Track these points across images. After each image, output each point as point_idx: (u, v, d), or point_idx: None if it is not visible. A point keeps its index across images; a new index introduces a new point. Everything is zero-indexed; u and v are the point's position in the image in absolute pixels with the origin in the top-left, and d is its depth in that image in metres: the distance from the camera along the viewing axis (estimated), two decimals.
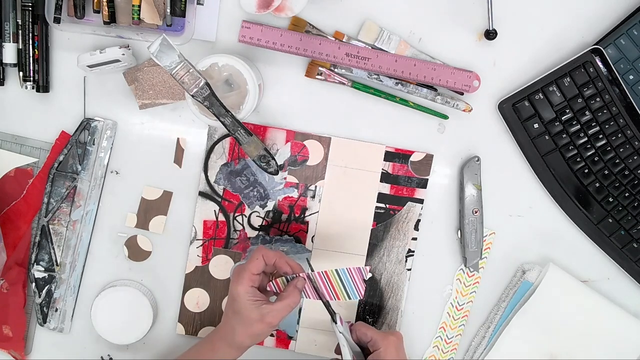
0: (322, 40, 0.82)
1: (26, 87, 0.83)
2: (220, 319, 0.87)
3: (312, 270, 0.77)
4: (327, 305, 0.77)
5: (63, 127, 0.86)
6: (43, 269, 0.87)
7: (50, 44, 0.84)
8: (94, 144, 0.85)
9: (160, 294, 0.89)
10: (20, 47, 0.83)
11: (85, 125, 0.85)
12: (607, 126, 0.84)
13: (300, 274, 0.77)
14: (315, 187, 0.87)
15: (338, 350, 0.81)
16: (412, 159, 0.86)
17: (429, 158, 0.86)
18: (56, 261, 0.87)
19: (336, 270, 0.77)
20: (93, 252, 0.88)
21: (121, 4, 0.81)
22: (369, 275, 0.78)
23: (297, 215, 0.87)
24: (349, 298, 0.78)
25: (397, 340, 0.79)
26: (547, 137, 0.84)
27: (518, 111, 0.84)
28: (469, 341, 0.90)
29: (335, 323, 0.77)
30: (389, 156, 0.86)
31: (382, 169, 0.86)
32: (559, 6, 0.84)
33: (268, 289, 0.78)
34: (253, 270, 0.75)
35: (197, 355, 0.78)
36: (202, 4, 0.83)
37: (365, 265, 0.77)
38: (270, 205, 0.87)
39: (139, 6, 0.80)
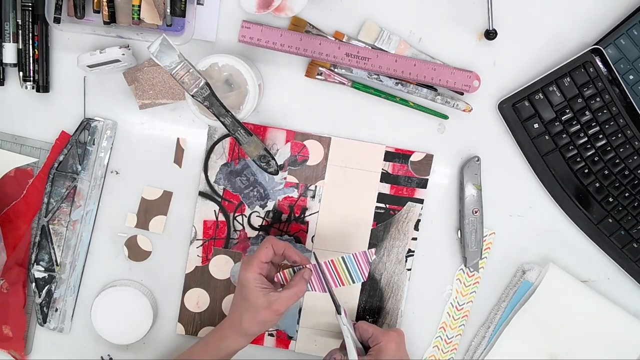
0: (322, 40, 0.82)
1: (26, 87, 0.83)
2: (220, 319, 0.87)
3: (318, 263, 0.78)
4: (333, 297, 0.78)
5: (63, 127, 0.86)
6: (43, 269, 0.87)
7: (50, 44, 0.84)
8: (94, 144, 0.85)
9: (160, 294, 0.89)
10: (20, 47, 0.83)
11: (85, 125, 0.85)
12: (607, 126, 0.84)
13: (307, 265, 0.78)
14: (315, 187, 0.87)
15: (342, 347, 0.81)
16: (412, 159, 0.86)
17: (429, 158, 0.86)
18: (56, 261, 0.87)
19: (342, 257, 0.79)
20: (93, 252, 0.88)
21: (121, 4, 0.81)
22: (374, 257, 0.80)
23: (297, 215, 0.87)
24: (353, 282, 0.79)
25: (397, 336, 0.79)
26: (547, 137, 0.84)
27: (518, 111, 0.84)
28: (469, 341, 0.90)
29: (340, 314, 0.78)
30: (389, 156, 0.86)
31: (382, 169, 0.86)
32: (559, 6, 0.84)
33: (275, 280, 0.79)
34: (262, 258, 0.76)
35: (207, 344, 0.79)
36: (202, 4, 0.83)
37: (369, 249, 0.79)
38: (270, 205, 0.87)
39: (139, 6, 0.80)
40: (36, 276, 0.87)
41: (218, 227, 0.87)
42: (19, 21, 0.83)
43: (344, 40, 0.83)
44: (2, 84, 0.85)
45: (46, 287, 0.87)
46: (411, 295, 0.89)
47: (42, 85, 0.84)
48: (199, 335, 0.88)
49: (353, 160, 0.86)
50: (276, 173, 0.82)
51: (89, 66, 0.81)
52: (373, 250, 0.79)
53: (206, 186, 0.86)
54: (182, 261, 0.88)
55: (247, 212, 0.87)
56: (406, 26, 0.84)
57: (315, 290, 0.79)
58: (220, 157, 0.86)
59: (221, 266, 0.88)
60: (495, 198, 0.87)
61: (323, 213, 0.87)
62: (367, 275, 0.79)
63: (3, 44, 0.83)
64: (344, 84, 0.84)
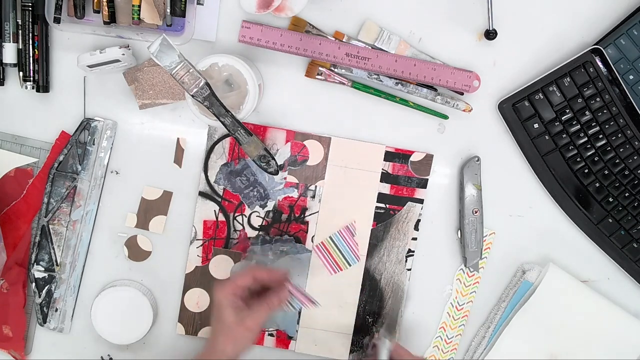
0: (322, 40, 0.82)
1: (26, 87, 0.83)
2: None
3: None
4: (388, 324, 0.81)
5: (63, 127, 0.86)
6: (43, 269, 0.87)
7: (50, 44, 0.84)
8: (94, 144, 0.85)
9: (160, 294, 0.89)
10: (20, 47, 0.83)
11: (85, 125, 0.85)
12: (607, 126, 0.84)
13: (286, 284, 0.78)
14: (315, 187, 0.87)
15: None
16: (412, 159, 0.86)
17: (429, 158, 0.86)
18: (56, 261, 0.87)
19: (330, 237, 0.81)
20: (93, 252, 0.88)
21: (121, 4, 0.81)
22: (355, 229, 0.84)
23: (297, 215, 0.87)
24: (349, 265, 0.81)
25: None
26: (547, 137, 0.84)
27: (518, 111, 0.84)
28: (469, 341, 0.90)
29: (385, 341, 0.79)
30: (389, 156, 0.86)
31: (382, 169, 0.86)
32: (559, 6, 0.84)
33: None
34: (239, 283, 0.77)
35: None
36: (202, 4, 0.83)
37: (351, 222, 0.83)
38: (270, 205, 0.87)
39: (139, 6, 0.80)
40: (36, 276, 0.87)
41: (218, 227, 0.87)
42: (19, 21, 0.83)
43: (344, 40, 0.83)
44: (2, 84, 0.85)
45: (46, 287, 0.87)
46: (411, 295, 0.89)
47: (42, 85, 0.84)
48: (199, 335, 0.88)
49: (353, 160, 0.86)
50: (276, 173, 0.82)
51: (89, 66, 0.81)
52: (355, 222, 0.81)
53: (206, 186, 0.86)
54: (182, 261, 0.88)
55: (247, 212, 0.87)
56: (406, 26, 0.84)
57: (307, 305, 0.79)
58: (220, 157, 0.86)
59: (221, 266, 0.87)
60: (495, 198, 0.87)
61: (323, 213, 0.87)
62: (359, 255, 0.80)
63: (3, 44, 0.83)
64: (344, 84, 0.84)
